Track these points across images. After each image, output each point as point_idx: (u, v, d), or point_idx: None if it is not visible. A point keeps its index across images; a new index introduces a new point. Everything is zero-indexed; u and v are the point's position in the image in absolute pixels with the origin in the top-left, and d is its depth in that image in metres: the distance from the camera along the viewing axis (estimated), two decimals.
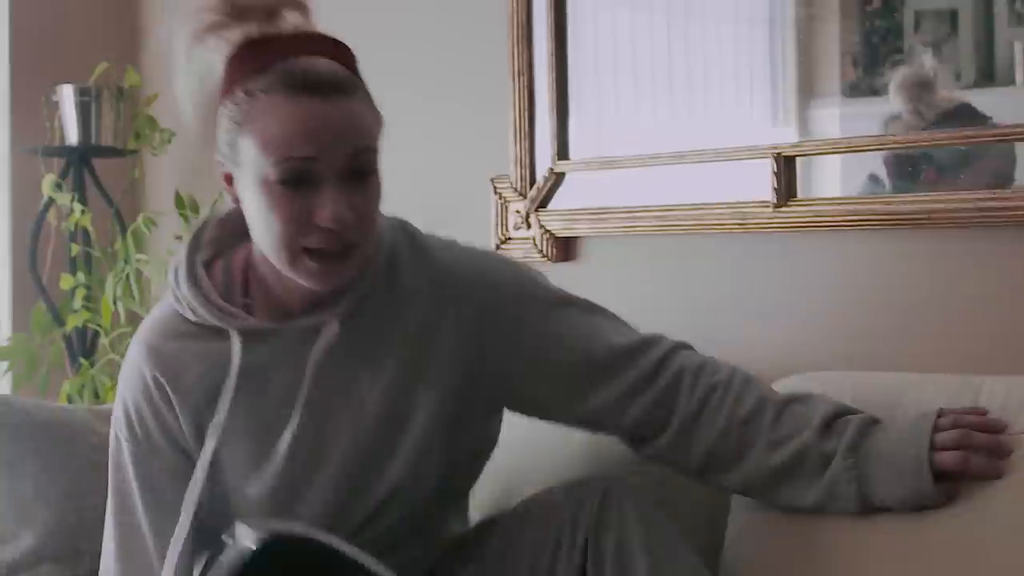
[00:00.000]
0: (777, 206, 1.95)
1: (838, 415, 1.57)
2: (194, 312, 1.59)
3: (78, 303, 2.99)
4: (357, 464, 1.59)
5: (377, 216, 1.54)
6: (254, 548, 1.43)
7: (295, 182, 1.47)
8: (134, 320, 3.02)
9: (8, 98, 3.12)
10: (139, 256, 2.95)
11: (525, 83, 2.28)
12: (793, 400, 1.61)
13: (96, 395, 2.96)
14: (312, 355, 1.57)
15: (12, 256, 3.13)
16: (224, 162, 1.54)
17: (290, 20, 1.53)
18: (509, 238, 2.32)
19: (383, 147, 1.53)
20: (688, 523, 1.70)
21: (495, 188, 2.34)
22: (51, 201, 3.01)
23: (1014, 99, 1.74)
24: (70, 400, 2.95)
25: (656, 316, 1.92)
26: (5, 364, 3.00)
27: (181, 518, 1.58)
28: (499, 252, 1.72)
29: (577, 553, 1.52)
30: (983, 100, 1.77)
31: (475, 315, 1.61)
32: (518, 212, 2.31)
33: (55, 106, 3.05)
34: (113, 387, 2.93)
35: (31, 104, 3.08)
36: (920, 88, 1.85)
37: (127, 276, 2.94)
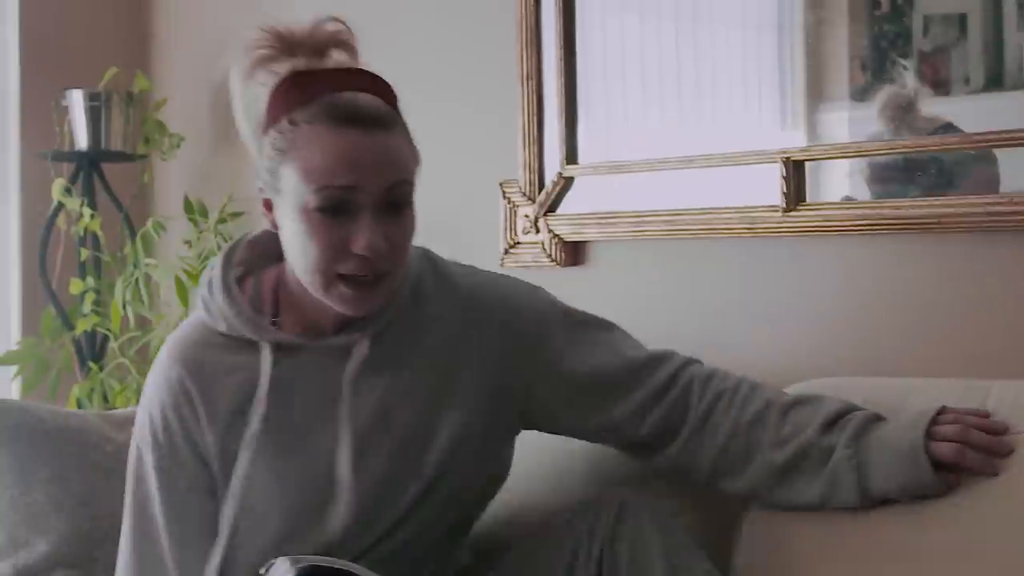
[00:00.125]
0: (786, 210, 1.95)
1: (842, 413, 1.60)
2: (227, 322, 1.62)
3: (87, 307, 3.00)
4: (383, 483, 1.61)
5: (408, 248, 1.59)
6: None
7: (333, 210, 1.52)
8: (143, 324, 3.04)
9: (18, 103, 3.13)
10: (148, 260, 2.95)
11: (534, 87, 2.28)
12: (799, 401, 1.64)
13: (105, 399, 2.97)
14: (347, 373, 1.61)
15: (22, 260, 3.13)
16: (265, 188, 1.60)
17: (336, 58, 1.58)
18: (518, 242, 2.32)
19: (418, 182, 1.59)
20: (697, 534, 1.70)
21: (504, 192, 2.34)
22: (61, 206, 3.02)
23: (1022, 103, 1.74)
24: (79, 404, 2.96)
25: (665, 320, 1.93)
26: (15, 368, 3.01)
27: (220, 537, 1.60)
28: (516, 276, 1.76)
29: (593, 564, 1.54)
30: (992, 104, 1.77)
31: (498, 338, 1.67)
32: (527, 216, 2.31)
33: (65, 111, 3.05)
34: (122, 391, 2.94)
35: (41, 109, 3.09)
36: (903, 109, 1.86)
37: (136, 280, 2.94)
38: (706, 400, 1.66)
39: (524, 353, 1.68)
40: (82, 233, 3.03)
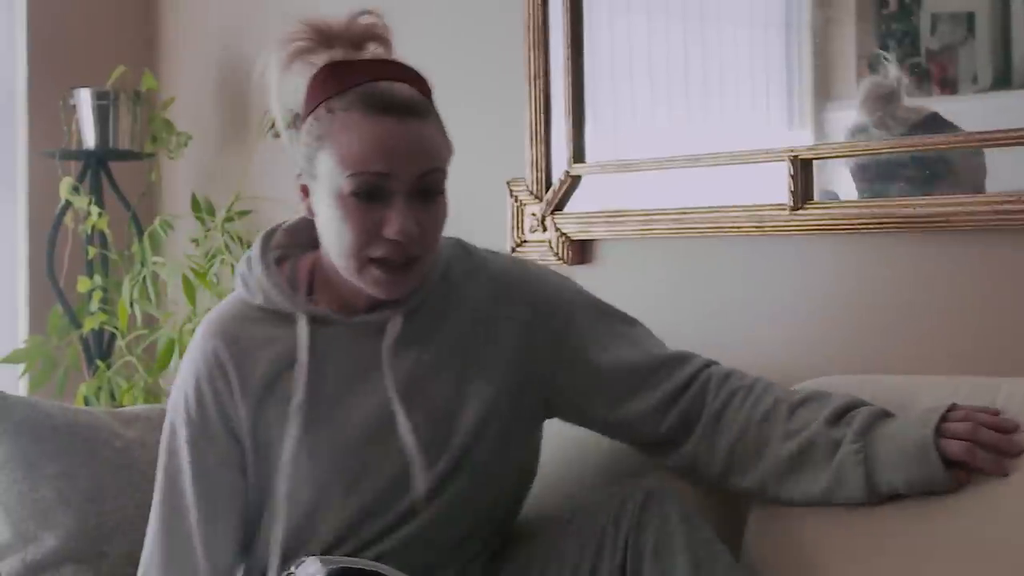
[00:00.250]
0: (794, 209, 1.95)
1: (849, 408, 1.61)
2: (264, 294, 1.67)
3: (95, 305, 3.00)
4: (412, 447, 1.64)
5: (440, 234, 1.64)
6: None
7: (367, 195, 1.57)
8: (150, 322, 3.04)
9: (26, 101, 3.13)
10: (155, 259, 2.96)
11: (541, 87, 2.29)
12: (808, 398, 1.65)
13: (112, 397, 2.97)
14: (384, 345, 1.65)
15: (29, 259, 3.14)
16: (302, 175, 1.65)
17: (372, 51, 1.64)
18: (525, 241, 2.32)
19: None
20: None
21: (511, 191, 2.35)
22: (68, 204, 3.03)
23: None
24: (87, 402, 2.96)
25: (672, 318, 1.93)
26: (22, 366, 3.01)
27: (280, 510, 1.63)
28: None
29: (619, 552, 1.56)
30: (1000, 103, 1.77)
31: (526, 318, 1.70)
32: (534, 215, 2.31)
33: (72, 110, 3.06)
34: (130, 389, 2.94)
35: (49, 108, 3.10)
36: (885, 99, 1.86)
37: (143, 279, 2.95)
38: (720, 398, 1.68)
39: (550, 337, 1.71)
40: (89, 231, 3.03)
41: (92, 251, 3.03)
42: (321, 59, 1.63)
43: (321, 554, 1.62)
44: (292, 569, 1.54)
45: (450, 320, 1.69)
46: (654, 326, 1.82)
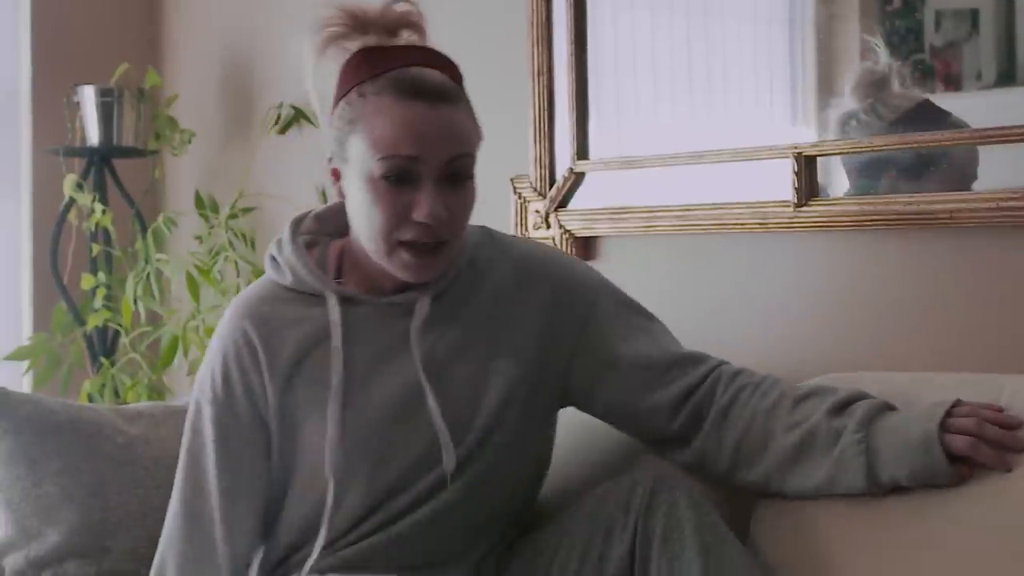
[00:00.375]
0: (798, 206, 1.95)
1: (851, 400, 1.62)
2: (294, 274, 1.70)
3: (98, 302, 3.01)
4: (437, 435, 1.66)
5: (468, 218, 1.66)
6: None
7: (397, 179, 1.60)
8: (154, 319, 3.04)
9: (29, 99, 3.14)
10: (159, 256, 2.96)
11: (545, 83, 2.29)
12: (813, 391, 1.67)
13: (116, 394, 2.98)
14: (413, 326, 1.67)
15: (33, 256, 3.14)
16: (333, 158, 1.67)
17: (406, 38, 1.67)
18: (528, 238, 2.32)
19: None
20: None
21: (515, 188, 2.35)
22: (72, 201, 3.03)
23: None
24: (91, 399, 2.97)
25: (676, 315, 1.93)
26: (27, 363, 3.02)
27: (307, 488, 1.66)
28: None
29: (628, 536, 1.57)
30: (1004, 100, 1.77)
31: (551, 296, 1.73)
32: (538, 212, 2.31)
33: (76, 107, 3.06)
34: (133, 386, 2.95)
35: (52, 105, 3.10)
36: (876, 86, 1.87)
37: (147, 276, 2.95)
38: (728, 394, 1.70)
39: (570, 323, 1.74)
40: (93, 228, 3.03)
41: (96, 248, 3.04)
42: (355, 45, 1.65)
43: (347, 531, 1.65)
44: None
45: (475, 303, 1.72)
46: None
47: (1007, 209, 1.72)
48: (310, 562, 1.66)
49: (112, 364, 3.01)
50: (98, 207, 3.00)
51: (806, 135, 1.98)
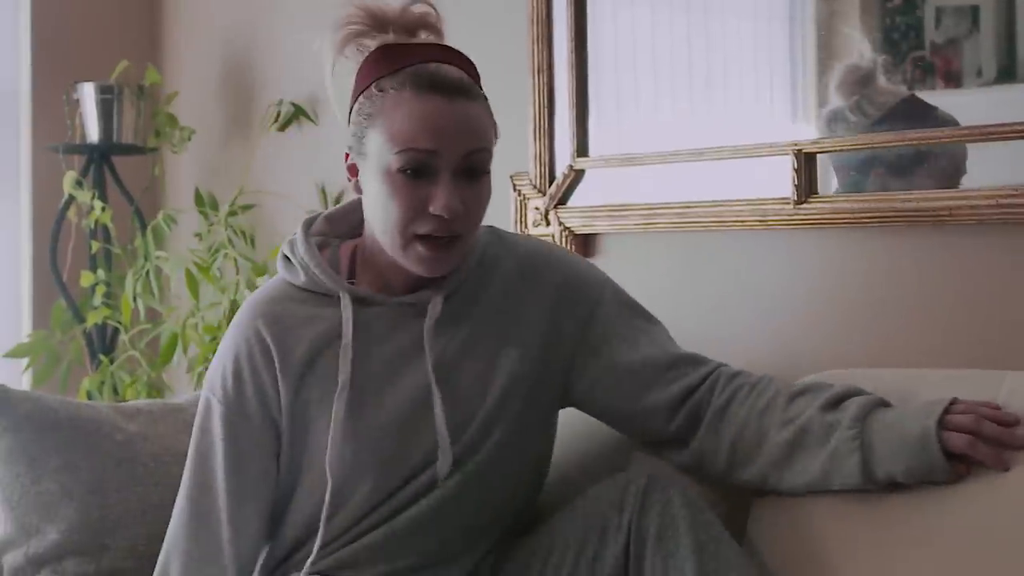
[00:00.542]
0: (797, 203, 1.95)
1: (845, 396, 1.62)
2: (306, 274, 1.71)
3: (98, 300, 3.00)
4: (444, 430, 1.67)
5: (483, 214, 1.67)
6: None
7: (415, 172, 1.61)
8: (153, 317, 3.04)
9: (29, 96, 3.14)
10: (159, 253, 2.96)
11: (545, 80, 2.29)
12: (807, 388, 1.67)
13: (115, 391, 2.98)
14: (426, 326, 1.68)
15: (33, 253, 3.14)
16: (351, 153, 1.69)
17: (424, 38, 1.69)
18: (528, 235, 2.32)
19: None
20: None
21: (514, 185, 2.34)
22: (71, 198, 3.03)
23: None
24: (90, 396, 2.97)
25: (675, 312, 1.93)
26: (26, 361, 3.02)
27: (315, 487, 1.66)
28: None
29: (622, 535, 1.58)
30: (1004, 96, 1.76)
31: (556, 293, 1.74)
32: (537, 209, 2.31)
33: (76, 104, 3.06)
34: (133, 384, 2.94)
35: (52, 102, 3.10)
36: (860, 83, 1.87)
37: (147, 273, 2.95)
38: (725, 394, 1.70)
39: (573, 322, 1.75)
40: (93, 226, 3.03)
41: (95, 245, 3.03)
42: (374, 43, 1.67)
43: (347, 529, 1.66)
44: None
45: (484, 301, 1.73)
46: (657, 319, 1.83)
47: (1007, 206, 1.72)
48: (309, 562, 1.65)
49: (111, 361, 3.01)
50: (98, 204, 3.00)
51: (806, 132, 1.97)
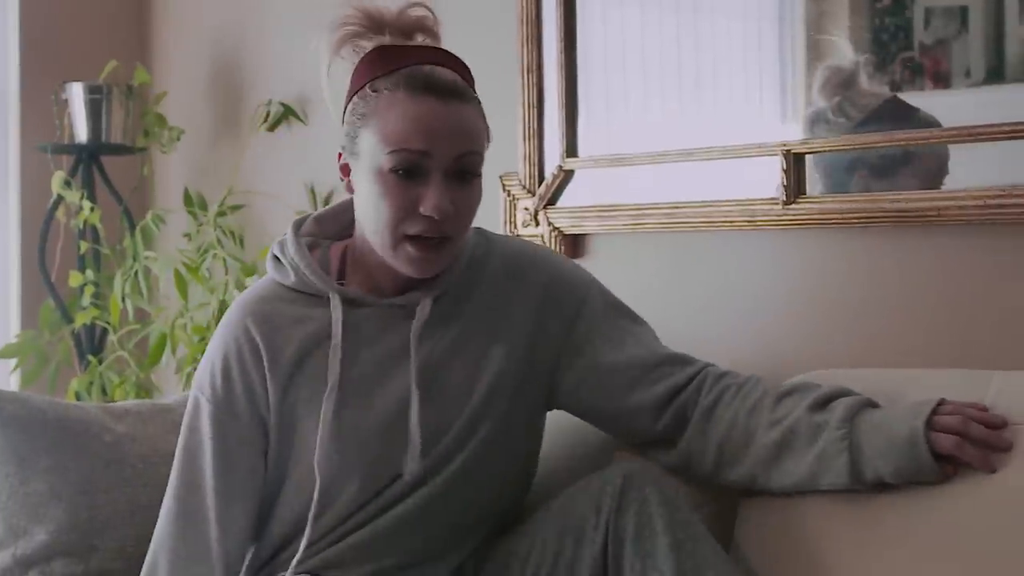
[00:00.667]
0: (786, 203, 1.95)
1: (834, 396, 1.63)
2: (296, 274, 1.71)
3: (87, 300, 3.00)
4: (435, 433, 1.68)
5: (473, 216, 1.68)
6: None
7: (406, 173, 1.62)
8: (142, 317, 3.04)
9: (18, 95, 3.13)
10: (148, 253, 2.95)
11: (534, 81, 2.29)
12: (795, 388, 1.68)
13: (104, 392, 2.97)
14: (413, 328, 1.69)
15: (21, 253, 3.13)
16: (344, 153, 1.70)
17: (420, 41, 1.70)
18: (517, 235, 2.32)
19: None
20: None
21: (504, 185, 2.34)
22: (60, 198, 3.02)
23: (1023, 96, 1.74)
24: (78, 397, 2.96)
25: (664, 313, 1.93)
26: (14, 361, 3.01)
27: (302, 487, 1.67)
28: None
29: (600, 535, 1.57)
30: (993, 97, 1.77)
31: (542, 294, 1.75)
32: (527, 209, 2.31)
33: (64, 104, 3.05)
34: (121, 384, 2.94)
35: (41, 101, 3.09)
36: (843, 85, 1.88)
37: (135, 273, 2.94)
38: (712, 395, 1.71)
39: (560, 320, 1.75)
40: (81, 226, 3.02)
41: (84, 246, 3.03)
42: (370, 44, 1.68)
43: (331, 529, 1.66)
44: None
45: (472, 302, 1.74)
46: (646, 320, 1.82)
47: (995, 207, 1.72)
48: (295, 561, 1.65)
49: (100, 362, 3.01)
50: (86, 204, 2.99)
51: (795, 133, 1.98)
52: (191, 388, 1.75)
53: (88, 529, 1.98)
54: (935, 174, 1.82)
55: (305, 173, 2.77)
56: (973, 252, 1.79)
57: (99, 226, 3.02)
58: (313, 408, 1.67)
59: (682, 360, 1.76)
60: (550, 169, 2.28)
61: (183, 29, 3.17)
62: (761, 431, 1.64)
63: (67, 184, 3.01)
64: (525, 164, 2.30)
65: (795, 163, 1.95)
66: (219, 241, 2.87)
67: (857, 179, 1.89)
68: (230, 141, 3.00)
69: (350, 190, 1.71)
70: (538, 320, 1.74)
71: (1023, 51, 1.73)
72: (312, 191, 2.75)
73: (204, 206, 2.96)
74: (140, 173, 3.14)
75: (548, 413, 1.81)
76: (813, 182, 1.95)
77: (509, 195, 2.34)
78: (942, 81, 1.83)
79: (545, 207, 2.28)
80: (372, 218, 1.65)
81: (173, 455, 1.74)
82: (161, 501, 1.73)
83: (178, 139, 3.05)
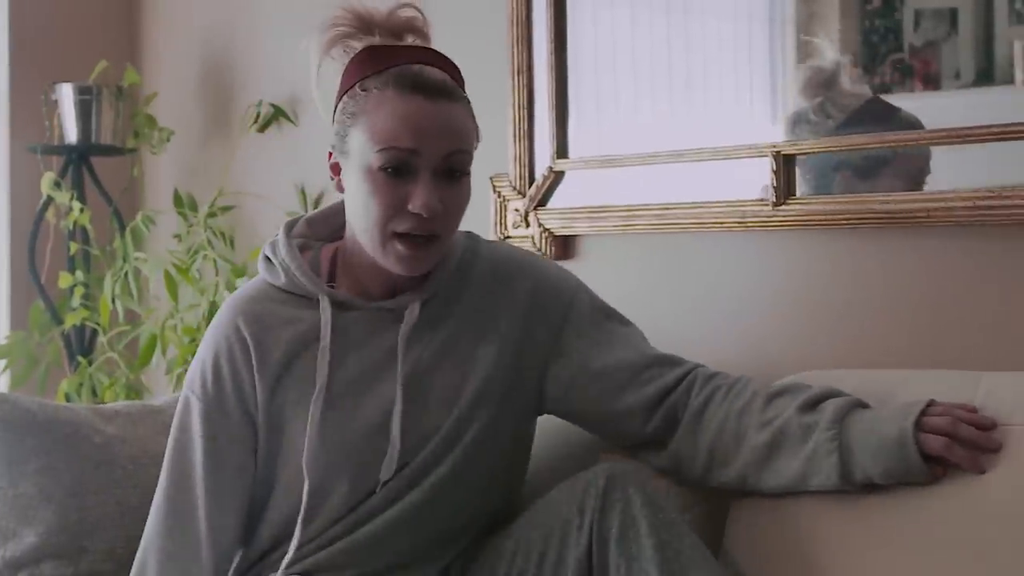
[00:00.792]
0: (776, 204, 1.95)
1: (823, 397, 1.63)
2: (287, 275, 1.72)
3: (76, 301, 2.99)
4: (422, 436, 1.68)
5: (462, 215, 1.68)
6: None
7: (395, 171, 1.63)
8: (132, 318, 3.03)
9: (7, 96, 3.12)
10: (137, 254, 2.95)
11: (525, 82, 2.29)
12: (785, 389, 1.68)
13: (94, 393, 2.96)
14: (401, 333, 1.69)
15: (11, 254, 3.13)
16: (334, 152, 1.71)
17: (410, 42, 1.71)
18: (508, 237, 2.32)
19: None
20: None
21: (494, 187, 2.34)
22: (50, 199, 3.02)
23: (1013, 98, 1.74)
24: (68, 398, 2.95)
25: (655, 314, 1.93)
26: (3, 362, 3.00)
27: (291, 488, 1.67)
28: None
29: (584, 536, 1.57)
30: (982, 99, 1.77)
31: (529, 299, 1.75)
32: (517, 211, 2.31)
33: (54, 104, 3.05)
34: (111, 385, 2.93)
35: (30, 102, 3.08)
36: (824, 85, 1.89)
37: (125, 274, 2.94)
38: (702, 396, 1.71)
39: (547, 325, 1.76)
40: (71, 227, 3.02)
41: (74, 247, 3.02)
42: (360, 45, 1.69)
43: (320, 532, 1.66)
44: None
45: (460, 306, 1.74)
46: (636, 321, 1.83)
47: (983, 208, 1.73)
48: (285, 563, 1.65)
49: (90, 363, 3.00)
50: (76, 205, 2.99)
51: (785, 134, 1.98)
52: (183, 387, 1.75)
53: (78, 531, 1.97)
54: (916, 175, 1.82)
55: (295, 174, 2.77)
56: (962, 253, 1.79)
57: (89, 227, 3.02)
58: (301, 410, 1.67)
59: (671, 361, 1.76)
60: (540, 170, 2.28)
61: (173, 30, 3.16)
62: (752, 432, 1.64)
63: (57, 185, 3.00)
64: (515, 165, 2.30)
65: (785, 164, 1.95)
66: (209, 242, 2.86)
67: (839, 180, 1.90)
68: (220, 142, 3.00)
69: (340, 189, 1.72)
70: (525, 326, 1.75)
71: (1012, 53, 1.73)
72: (302, 192, 2.75)
73: (194, 207, 2.96)
74: (130, 174, 3.13)
75: (544, 417, 1.81)
76: (802, 183, 1.95)
77: (499, 196, 2.34)
78: (932, 83, 1.83)
79: (535, 208, 2.28)
80: (362, 216, 1.66)
81: (163, 456, 1.74)
82: (151, 503, 1.73)
83: (168, 140, 3.05)
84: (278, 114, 2.81)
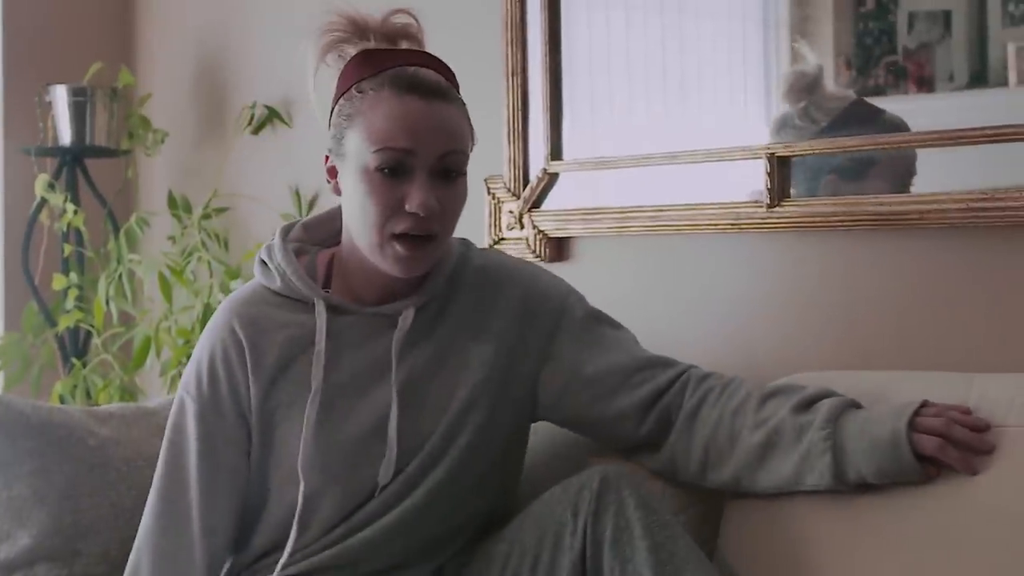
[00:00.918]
0: (770, 206, 1.95)
1: (818, 398, 1.64)
2: (283, 280, 1.72)
3: (70, 303, 2.99)
4: (417, 440, 1.69)
5: (458, 215, 1.69)
6: None
7: (391, 171, 1.64)
8: (126, 320, 3.03)
9: (1, 98, 3.11)
10: (132, 256, 2.95)
11: (519, 83, 2.29)
12: (779, 389, 1.68)
13: (88, 395, 2.96)
14: (395, 338, 1.70)
15: (5, 256, 3.12)
16: (330, 155, 1.72)
17: (404, 47, 1.72)
18: (502, 238, 2.32)
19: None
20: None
21: (488, 188, 2.34)
22: (44, 201, 3.01)
23: (1007, 100, 1.74)
24: (62, 400, 2.95)
25: (648, 316, 1.93)
26: None
27: (284, 493, 1.68)
28: None
29: (578, 539, 1.57)
30: (976, 101, 1.77)
31: (521, 306, 1.76)
32: (511, 212, 2.31)
33: (48, 106, 3.04)
34: (105, 387, 2.93)
35: (24, 104, 3.08)
36: (807, 89, 1.90)
37: (120, 276, 2.94)
38: (696, 397, 1.71)
39: (540, 330, 1.76)
40: (65, 229, 3.02)
41: (68, 248, 3.02)
42: (355, 50, 1.71)
43: (318, 537, 1.66)
44: None
45: (454, 312, 1.75)
46: (630, 323, 1.83)
47: (977, 210, 1.73)
48: (280, 565, 1.66)
49: (84, 365, 3.00)
50: (70, 207, 2.99)
51: (779, 136, 1.98)
52: (178, 389, 1.75)
53: (72, 533, 1.97)
54: (904, 176, 1.83)
55: (289, 176, 2.77)
56: (956, 255, 1.79)
57: (83, 229, 3.01)
58: (294, 412, 1.68)
59: (664, 363, 1.76)
60: (535, 172, 2.28)
61: (167, 32, 3.16)
62: (746, 432, 1.65)
63: (51, 187, 3.00)
64: (510, 167, 2.30)
65: (779, 166, 1.95)
66: (203, 244, 2.86)
67: (826, 182, 1.90)
68: (214, 144, 3.00)
69: (337, 192, 1.73)
70: (518, 332, 1.75)
71: (1005, 55, 1.74)
72: (297, 194, 2.75)
73: (188, 209, 2.96)
74: (124, 176, 3.13)
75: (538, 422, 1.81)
76: (796, 185, 1.95)
77: (494, 198, 2.34)
78: (925, 85, 1.84)
79: (530, 210, 2.28)
80: (359, 218, 1.67)
81: (157, 458, 1.74)
82: (145, 505, 1.73)
83: (162, 142, 3.05)
84: (272, 116, 2.81)
